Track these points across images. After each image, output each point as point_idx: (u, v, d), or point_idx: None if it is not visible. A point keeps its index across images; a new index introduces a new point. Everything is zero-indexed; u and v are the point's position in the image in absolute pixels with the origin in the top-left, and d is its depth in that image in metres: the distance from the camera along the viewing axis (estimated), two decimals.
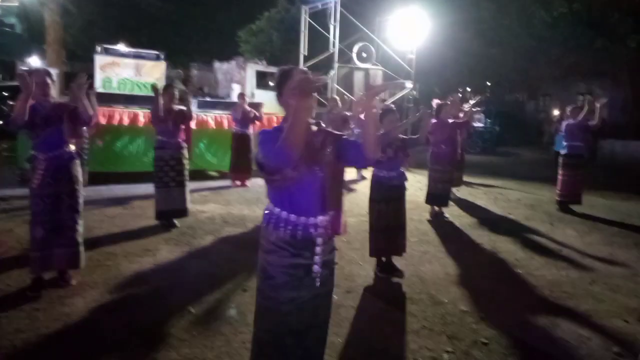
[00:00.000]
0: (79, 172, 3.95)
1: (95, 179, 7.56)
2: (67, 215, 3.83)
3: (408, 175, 4.59)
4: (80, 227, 3.95)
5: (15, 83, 15.72)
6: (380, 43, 13.13)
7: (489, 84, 24.46)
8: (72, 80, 3.80)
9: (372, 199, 4.45)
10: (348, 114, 8.07)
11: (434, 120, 6.96)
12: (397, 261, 4.60)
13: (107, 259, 4.52)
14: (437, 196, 6.81)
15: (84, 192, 7.09)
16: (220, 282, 4.15)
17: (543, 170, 8.05)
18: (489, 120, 18.13)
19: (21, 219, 5.55)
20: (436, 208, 6.95)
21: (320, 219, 2.13)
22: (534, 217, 7.21)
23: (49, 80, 3.77)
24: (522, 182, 10.61)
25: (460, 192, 8.65)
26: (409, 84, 13.51)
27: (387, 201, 4.37)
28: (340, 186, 5.64)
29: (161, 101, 5.42)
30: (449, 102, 6.98)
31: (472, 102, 7.61)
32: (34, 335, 3.11)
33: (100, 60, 9.81)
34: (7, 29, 22.43)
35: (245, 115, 8.43)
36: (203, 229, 5.76)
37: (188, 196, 5.80)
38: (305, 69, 2.17)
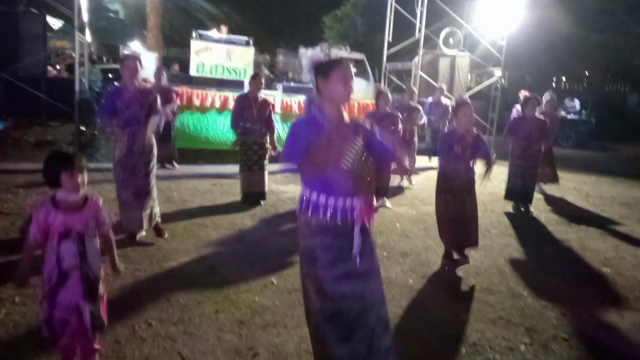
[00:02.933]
0: (153, 145, 4.42)
1: (187, 157, 8.11)
2: (143, 181, 4.37)
3: (493, 167, 4.40)
4: (155, 192, 4.52)
5: (118, 66, 17.08)
6: (468, 28, 12.68)
7: (587, 73, 22.80)
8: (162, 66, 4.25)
9: (439, 190, 4.40)
10: (417, 105, 7.90)
11: (516, 113, 6.66)
12: (475, 252, 4.55)
13: (199, 229, 4.90)
14: (517, 192, 6.51)
15: (177, 167, 7.70)
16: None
17: None
18: (584, 112, 16.92)
19: None
20: (513, 203, 6.68)
21: (355, 200, 2.23)
22: (630, 217, 6.74)
23: (138, 66, 4.22)
24: (618, 178, 9.89)
25: (547, 186, 8.25)
26: (497, 72, 12.96)
27: (454, 192, 4.29)
28: (374, 172, 5.65)
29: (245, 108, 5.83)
30: (544, 101, 6.61)
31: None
32: (135, 292, 3.48)
33: (195, 45, 10.37)
34: (111, 15, 24.26)
35: None
36: (284, 207, 6.02)
37: (267, 179, 6.10)
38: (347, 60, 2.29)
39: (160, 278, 3.76)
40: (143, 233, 4.54)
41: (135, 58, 4.31)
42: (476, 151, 4.28)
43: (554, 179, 7.89)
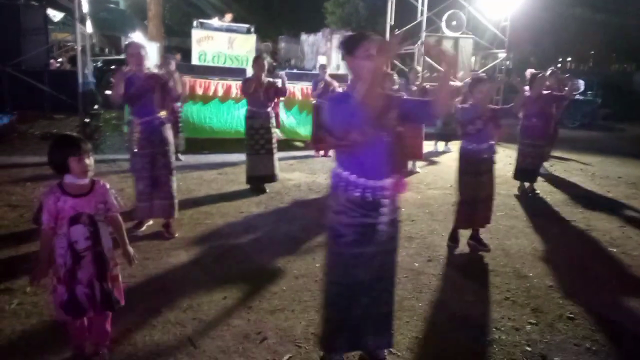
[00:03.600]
0: (169, 135, 4.38)
1: (192, 147, 8.12)
2: (161, 172, 4.32)
3: (498, 149, 4.42)
4: (174, 183, 4.43)
5: (121, 57, 17.06)
6: (471, 10, 12.55)
7: (592, 53, 22.55)
8: (166, 54, 4.16)
9: (461, 171, 4.37)
10: (427, 85, 7.92)
11: (526, 92, 6.60)
12: (481, 234, 4.56)
13: (206, 218, 4.93)
14: (525, 171, 6.51)
15: (183, 158, 7.70)
16: (306, 244, 4.39)
17: None
18: (589, 92, 16.76)
19: (131, 179, 6.17)
20: (525, 184, 6.68)
21: (387, 181, 2.26)
22: (636, 196, 6.72)
23: (142, 53, 4.17)
24: (624, 158, 9.83)
25: (553, 167, 8.23)
26: (502, 53, 12.85)
27: (476, 174, 4.26)
28: (404, 149, 5.58)
29: (254, 77, 5.73)
30: (548, 74, 6.55)
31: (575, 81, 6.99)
32: (145, 281, 3.53)
33: (196, 34, 10.34)
34: (112, 6, 24.10)
35: (326, 87, 8.52)
36: (290, 195, 6.04)
37: (276, 163, 6.11)
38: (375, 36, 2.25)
39: (168, 266, 3.80)
40: (150, 222, 4.58)
41: (138, 45, 4.27)
42: (494, 124, 4.26)
43: (546, 157, 7.85)
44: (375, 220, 2.28)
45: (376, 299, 2.39)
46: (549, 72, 6.90)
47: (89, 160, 2.30)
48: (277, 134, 6.24)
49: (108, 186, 2.42)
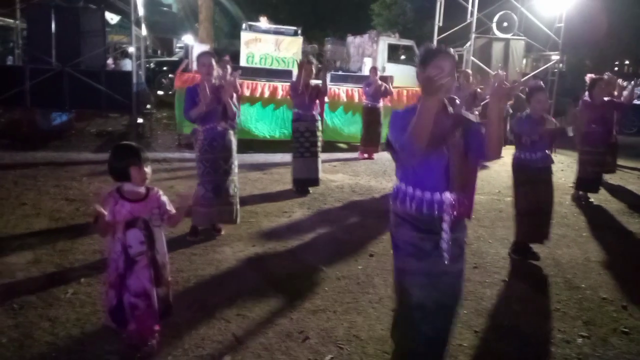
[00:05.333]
0: (232, 141, 4.41)
1: (237, 147, 8.25)
2: (223, 177, 4.34)
3: (552, 156, 4.23)
4: (236, 189, 4.46)
5: (173, 58, 17.60)
6: (524, 10, 12.17)
7: None
8: (220, 58, 4.16)
9: (516, 182, 4.22)
10: (479, 89, 7.75)
11: (585, 98, 6.34)
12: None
13: (250, 216, 5.01)
14: (588, 181, 6.20)
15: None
16: (349, 246, 4.38)
17: None
18: None
19: (180, 177, 6.36)
20: (580, 192, 6.41)
21: (446, 195, 2.14)
22: None
23: (213, 62, 4.20)
24: None
25: (609, 175, 7.84)
26: (555, 56, 12.40)
27: (533, 183, 4.10)
28: (472, 168, 5.43)
29: (302, 76, 5.76)
30: (605, 78, 6.29)
31: (632, 83, 6.67)
32: (192, 275, 3.62)
33: (245, 36, 10.55)
34: (165, 9, 24.92)
35: (376, 89, 8.51)
36: (333, 196, 6.05)
37: (320, 166, 6.13)
38: (451, 52, 2.17)
39: (214, 262, 3.89)
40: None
41: (210, 54, 4.29)
42: (550, 137, 4.12)
43: (612, 169, 7.45)
44: (436, 237, 2.16)
45: (438, 330, 2.23)
46: (605, 76, 6.63)
47: (148, 169, 2.39)
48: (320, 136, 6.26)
49: (161, 192, 2.51)
